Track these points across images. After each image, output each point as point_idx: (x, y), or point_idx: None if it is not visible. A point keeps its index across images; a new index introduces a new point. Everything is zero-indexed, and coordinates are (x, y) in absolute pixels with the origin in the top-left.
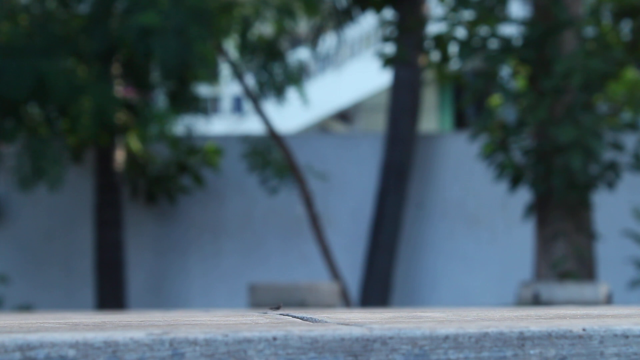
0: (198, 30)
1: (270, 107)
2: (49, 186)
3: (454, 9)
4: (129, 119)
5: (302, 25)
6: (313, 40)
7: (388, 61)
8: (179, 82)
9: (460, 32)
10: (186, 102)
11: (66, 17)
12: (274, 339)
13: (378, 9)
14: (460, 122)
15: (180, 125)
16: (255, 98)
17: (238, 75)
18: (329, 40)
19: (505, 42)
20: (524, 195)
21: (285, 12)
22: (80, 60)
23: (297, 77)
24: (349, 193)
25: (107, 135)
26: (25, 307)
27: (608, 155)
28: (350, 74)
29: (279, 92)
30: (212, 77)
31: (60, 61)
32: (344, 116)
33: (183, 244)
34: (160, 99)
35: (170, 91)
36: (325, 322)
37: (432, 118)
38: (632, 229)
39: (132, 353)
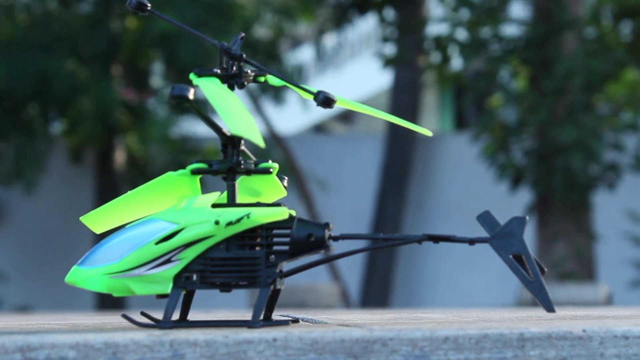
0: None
1: (270, 107)
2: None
3: (455, 10)
4: (129, 120)
5: (303, 27)
6: (316, 41)
7: (388, 62)
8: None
9: (461, 33)
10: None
11: (67, 17)
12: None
13: (378, 9)
14: (460, 122)
15: (180, 128)
16: (255, 98)
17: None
18: (330, 41)
19: (507, 42)
20: (524, 196)
21: (284, 14)
22: (81, 60)
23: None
24: (349, 194)
25: (106, 136)
26: (25, 308)
27: (609, 156)
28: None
29: (276, 95)
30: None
31: (61, 60)
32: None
33: None
34: (161, 102)
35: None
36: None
37: (432, 119)
38: (630, 231)
39: (132, 354)
